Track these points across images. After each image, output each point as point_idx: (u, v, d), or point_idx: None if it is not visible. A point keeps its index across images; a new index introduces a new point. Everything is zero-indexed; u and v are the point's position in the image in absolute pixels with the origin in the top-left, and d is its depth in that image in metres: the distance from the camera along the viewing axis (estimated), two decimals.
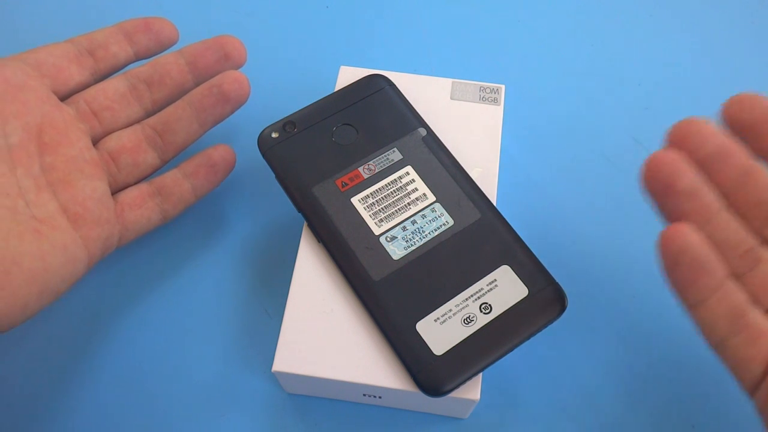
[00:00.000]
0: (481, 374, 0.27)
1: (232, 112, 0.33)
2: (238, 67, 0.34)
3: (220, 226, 0.35)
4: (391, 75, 0.34)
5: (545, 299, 0.27)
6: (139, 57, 0.33)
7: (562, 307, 0.27)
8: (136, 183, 0.32)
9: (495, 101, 0.34)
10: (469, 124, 0.33)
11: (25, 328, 0.32)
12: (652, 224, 0.36)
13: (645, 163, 0.25)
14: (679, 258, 0.24)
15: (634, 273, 0.34)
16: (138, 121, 0.33)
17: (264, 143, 0.31)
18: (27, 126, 0.28)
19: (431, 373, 0.26)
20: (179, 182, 0.32)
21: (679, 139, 0.25)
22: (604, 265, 0.34)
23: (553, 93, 0.40)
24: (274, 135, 0.32)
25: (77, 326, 0.33)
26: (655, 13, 0.43)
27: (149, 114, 0.33)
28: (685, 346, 0.32)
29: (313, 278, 0.29)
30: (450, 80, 0.34)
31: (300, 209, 0.30)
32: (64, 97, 0.31)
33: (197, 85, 0.33)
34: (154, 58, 0.33)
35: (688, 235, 0.24)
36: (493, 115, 0.33)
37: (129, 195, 0.31)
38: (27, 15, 0.42)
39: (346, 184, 0.30)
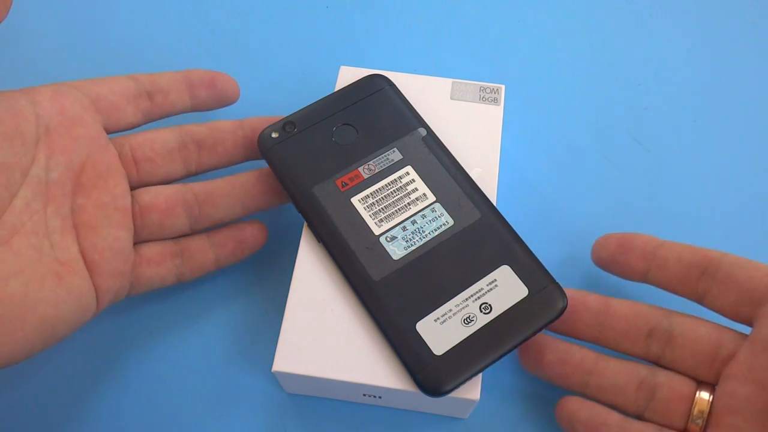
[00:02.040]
0: (481, 374, 0.27)
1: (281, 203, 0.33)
2: None
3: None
4: (391, 75, 0.34)
5: (545, 299, 0.27)
6: (195, 109, 0.33)
7: (562, 307, 0.27)
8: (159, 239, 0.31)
9: (495, 101, 0.34)
10: (469, 124, 0.33)
11: None
12: (651, 224, 0.36)
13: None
14: (573, 424, 0.28)
15: None
16: (177, 178, 0.32)
17: (264, 143, 0.31)
18: (70, 163, 0.28)
19: (431, 373, 0.26)
20: (204, 250, 0.31)
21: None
22: None
23: (553, 93, 0.40)
24: (274, 135, 0.31)
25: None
26: (655, 13, 0.43)
27: (190, 174, 0.32)
28: None
29: (313, 278, 0.29)
30: (450, 80, 0.34)
31: (300, 209, 0.30)
32: (111, 133, 0.30)
33: (247, 159, 0.33)
34: (213, 121, 0.32)
35: (573, 403, 0.28)
36: (493, 115, 0.33)
37: (151, 250, 0.30)
38: (32, 23, 0.42)
39: (346, 184, 0.30)
